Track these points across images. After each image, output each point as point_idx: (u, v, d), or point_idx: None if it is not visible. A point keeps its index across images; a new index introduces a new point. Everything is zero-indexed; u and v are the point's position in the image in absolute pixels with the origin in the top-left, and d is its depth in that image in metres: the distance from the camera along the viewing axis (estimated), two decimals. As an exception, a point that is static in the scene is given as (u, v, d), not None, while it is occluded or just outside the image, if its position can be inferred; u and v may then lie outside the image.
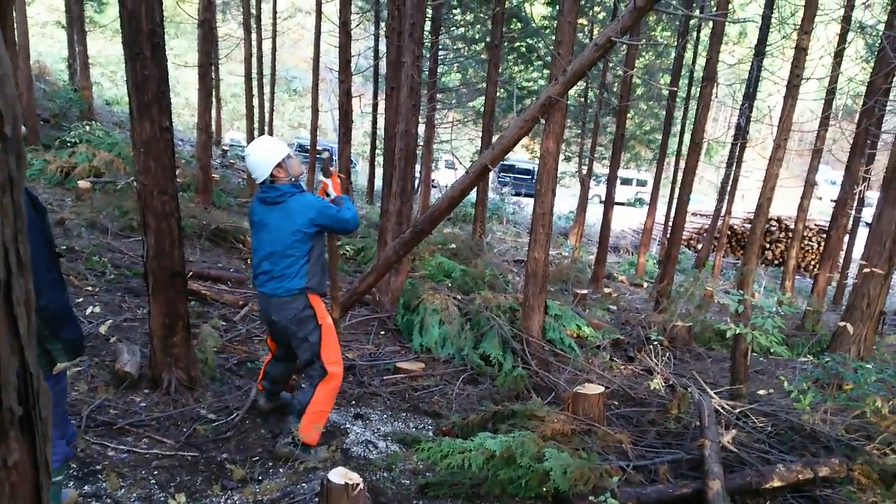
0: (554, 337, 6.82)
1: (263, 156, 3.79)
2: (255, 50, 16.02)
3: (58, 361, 2.46)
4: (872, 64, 12.41)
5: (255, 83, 15.95)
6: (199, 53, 10.79)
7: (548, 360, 6.26)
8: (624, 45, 8.20)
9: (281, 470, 3.67)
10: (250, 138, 15.29)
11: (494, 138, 14.01)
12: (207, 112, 11.12)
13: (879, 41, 12.35)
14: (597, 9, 17.15)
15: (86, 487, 3.21)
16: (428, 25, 13.24)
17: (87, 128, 12.42)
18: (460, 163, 15.67)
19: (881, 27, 14.31)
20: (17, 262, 0.67)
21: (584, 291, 10.19)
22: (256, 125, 16.50)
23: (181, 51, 33.21)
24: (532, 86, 20.49)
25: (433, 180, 20.97)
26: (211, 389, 4.56)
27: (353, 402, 4.95)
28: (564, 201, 23.35)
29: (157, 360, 4.38)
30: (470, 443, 3.79)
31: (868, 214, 10.96)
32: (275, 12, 18.22)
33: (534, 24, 16.42)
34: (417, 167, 14.03)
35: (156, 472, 3.47)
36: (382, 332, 6.86)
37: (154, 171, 4.10)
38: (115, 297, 6.14)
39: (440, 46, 15.69)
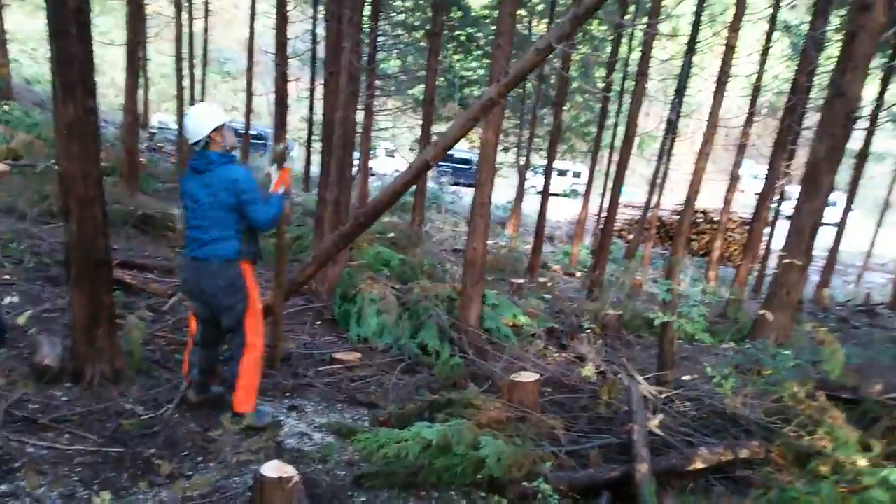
0: (491, 326, 6.90)
1: (203, 116, 3.84)
2: (186, 29, 15.43)
3: None
4: (796, 63, 13.04)
5: (185, 64, 15.37)
6: (127, 31, 10.33)
7: (485, 349, 6.33)
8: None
9: (212, 464, 3.59)
10: (180, 121, 14.76)
11: (434, 127, 14.05)
12: (135, 93, 10.67)
13: (803, 41, 12.99)
14: (535, 0, 17.33)
15: (2, 486, 3.06)
16: (367, 11, 13.06)
17: (5, 108, 11.71)
18: (399, 152, 15.59)
19: (805, 27, 15.05)
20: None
21: (521, 281, 10.35)
22: (187, 107, 15.93)
23: (106, 28, 31.60)
24: (472, 75, 20.56)
25: (371, 168, 20.79)
26: (137, 383, 4.41)
27: (288, 393, 4.88)
28: (502, 191, 23.60)
29: (80, 353, 4.19)
30: (406, 432, 3.80)
31: (788, 208, 11.51)
32: (207, -9, 17.61)
33: (473, 14, 16.46)
34: (355, 154, 13.88)
35: (78, 469, 3.33)
36: (318, 322, 6.78)
37: (77, 154, 3.91)
38: (35, 286, 5.84)
39: (380, 32, 15.52)
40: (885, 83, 13.94)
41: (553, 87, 16.59)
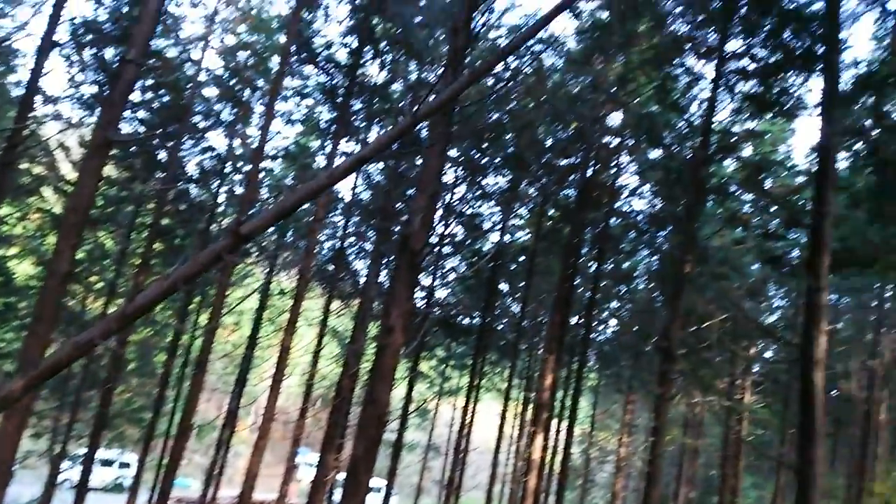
0: None
1: None
2: None
3: None
4: (342, 365, 14.83)
5: None
6: None
7: None
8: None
9: None
10: None
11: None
12: None
13: (347, 344, 15.03)
14: (94, 279, 16.55)
15: None
16: None
17: None
18: None
19: (349, 334, 17.52)
20: None
21: None
22: None
23: None
24: (6, 347, 17.65)
25: None
26: None
27: None
28: (26, 488, 19.28)
29: None
30: None
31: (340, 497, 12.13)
32: None
33: (17, 283, 14.79)
34: None
35: None
36: None
37: None
38: None
39: None
40: (411, 386, 16.73)
41: (104, 368, 15.26)
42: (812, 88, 10.30)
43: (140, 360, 17.69)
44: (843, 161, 11.14)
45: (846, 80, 9.55)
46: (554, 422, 17.53)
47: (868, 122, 10.36)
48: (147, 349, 18.63)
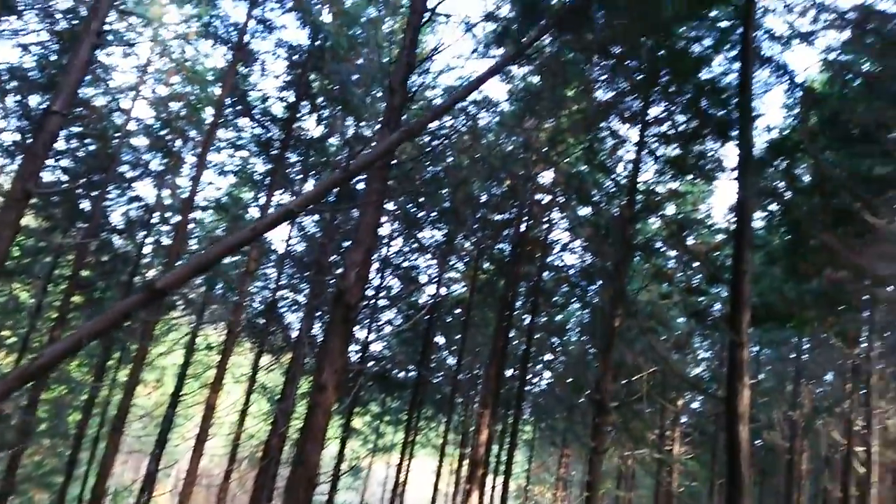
0: None
1: None
2: None
3: None
4: (270, 424, 14.27)
5: None
6: None
7: None
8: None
9: None
10: None
11: None
12: None
13: (276, 402, 14.52)
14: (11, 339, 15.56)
15: None
16: None
17: None
18: None
19: (279, 391, 16.95)
20: None
21: None
22: None
23: None
24: None
25: None
26: None
27: None
28: None
29: None
30: None
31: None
32: None
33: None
34: None
35: None
36: None
37: None
38: None
39: None
40: (343, 444, 16.26)
41: (13, 428, 14.18)
42: (728, 153, 10.95)
43: (52, 419, 16.53)
44: (759, 221, 11.76)
45: (760, 145, 10.18)
46: (490, 477, 17.31)
47: (781, 185, 11.02)
48: (60, 408, 17.46)
